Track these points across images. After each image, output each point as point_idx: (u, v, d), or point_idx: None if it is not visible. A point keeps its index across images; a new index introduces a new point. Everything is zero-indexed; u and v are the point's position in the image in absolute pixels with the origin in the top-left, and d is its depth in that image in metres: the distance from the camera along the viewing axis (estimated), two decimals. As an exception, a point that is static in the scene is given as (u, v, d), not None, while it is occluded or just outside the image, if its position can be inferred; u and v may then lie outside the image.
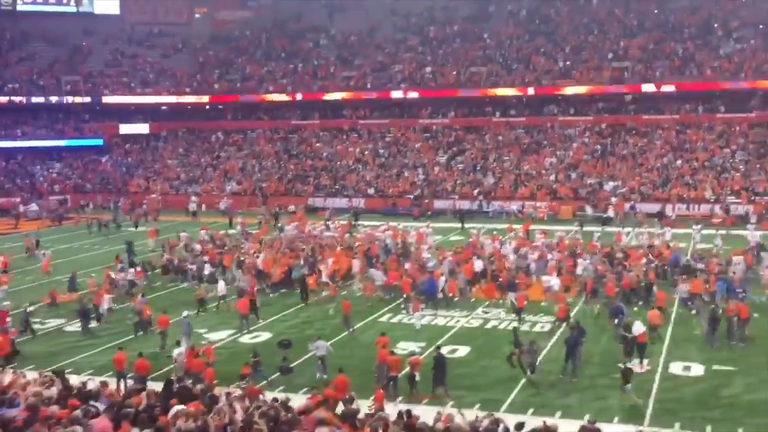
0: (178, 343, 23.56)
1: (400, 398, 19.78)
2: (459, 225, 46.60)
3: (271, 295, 31.45)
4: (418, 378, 20.11)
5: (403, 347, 23.80)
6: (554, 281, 29.56)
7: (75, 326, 27.68)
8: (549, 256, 32.81)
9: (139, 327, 26.54)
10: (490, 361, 22.77)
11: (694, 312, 26.49)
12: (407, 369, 20.52)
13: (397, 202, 54.59)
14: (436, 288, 29.20)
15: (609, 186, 52.18)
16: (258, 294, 29.51)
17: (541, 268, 31.61)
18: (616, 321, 24.63)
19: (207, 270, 33.36)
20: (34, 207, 58.10)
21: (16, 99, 68.68)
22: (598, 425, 15.34)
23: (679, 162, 54.13)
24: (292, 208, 52.03)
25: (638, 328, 22.52)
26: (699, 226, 39.46)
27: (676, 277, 29.92)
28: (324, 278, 32.04)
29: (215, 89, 72.88)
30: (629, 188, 51.44)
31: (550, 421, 15.42)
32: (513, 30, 71.78)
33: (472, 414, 16.01)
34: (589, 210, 49.19)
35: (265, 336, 26.05)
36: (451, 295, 29.70)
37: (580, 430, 15.10)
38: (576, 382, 20.73)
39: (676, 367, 22.00)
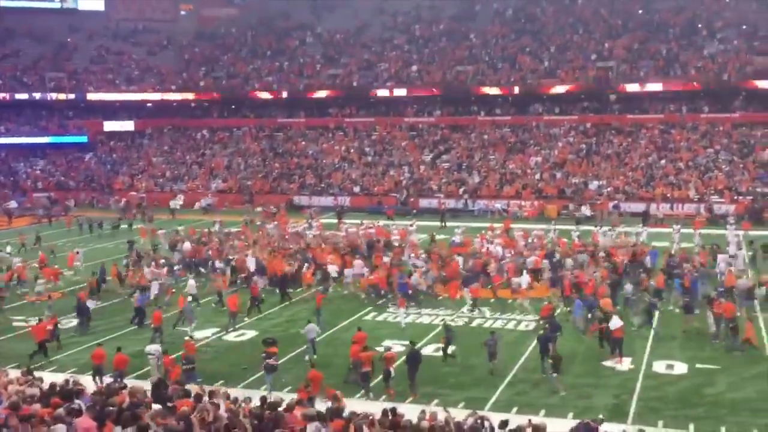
0: (156, 340, 23.63)
1: (383, 397, 19.79)
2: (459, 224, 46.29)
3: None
4: (393, 374, 20.33)
5: (388, 345, 23.77)
6: (523, 279, 29.89)
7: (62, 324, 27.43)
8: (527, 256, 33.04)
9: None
10: (474, 360, 22.79)
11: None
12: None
13: (383, 201, 54.59)
14: (406, 287, 29.55)
15: (594, 185, 52.40)
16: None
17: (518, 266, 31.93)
18: (590, 315, 25.23)
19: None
20: (13, 204, 57.76)
21: (0, 96, 68.13)
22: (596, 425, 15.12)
23: (663, 161, 54.41)
24: (273, 209, 51.80)
25: (615, 323, 22.85)
26: (678, 226, 39.60)
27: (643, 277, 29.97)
28: (334, 273, 31.95)
29: (201, 87, 72.62)
30: (614, 187, 51.67)
31: (536, 419, 15.50)
32: (499, 29, 71.94)
33: (456, 413, 16.01)
34: (572, 208, 49.37)
35: (251, 334, 26.00)
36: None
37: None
38: (556, 378, 20.61)
39: (659, 366, 22.11)
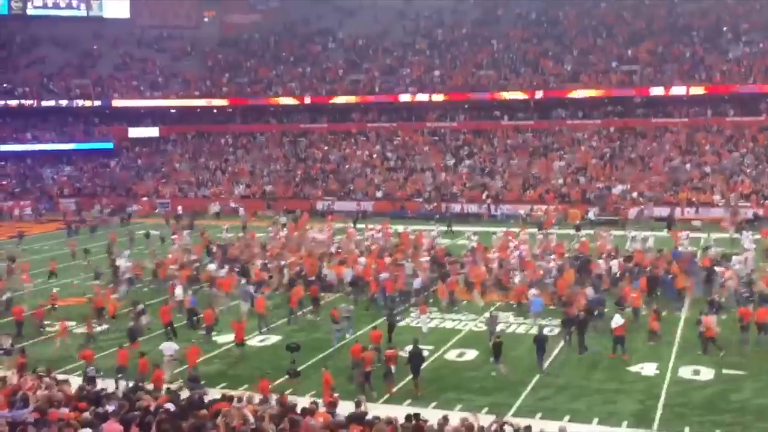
0: (169, 338, 23.78)
1: (407, 401, 19.79)
2: (467, 229, 46.16)
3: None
4: (393, 371, 20.69)
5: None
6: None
7: (82, 328, 27.66)
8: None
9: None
10: (496, 365, 22.73)
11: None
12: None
13: (405, 206, 54.62)
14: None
15: (617, 189, 52.09)
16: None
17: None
18: (596, 313, 25.66)
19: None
20: (28, 211, 58.35)
21: (26, 103, 68.99)
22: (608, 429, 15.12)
23: (688, 166, 53.99)
24: (298, 212, 52.07)
25: (616, 320, 23.40)
26: (686, 233, 39.27)
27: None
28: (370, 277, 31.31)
29: (224, 92, 73.06)
30: (638, 192, 51.32)
31: (562, 425, 15.47)
32: (521, 33, 71.78)
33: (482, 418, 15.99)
34: (593, 213, 49.12)
35: (274, 339, 26.08)
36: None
37: None
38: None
39: (685, 371, 21.93)
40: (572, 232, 42.67)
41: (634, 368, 22.24)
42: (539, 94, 62.87)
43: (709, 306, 25.57)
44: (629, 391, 20.61)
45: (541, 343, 22.33)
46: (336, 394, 17.88)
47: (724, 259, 32.18)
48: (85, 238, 47.35)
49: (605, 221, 46.99)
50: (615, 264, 31.60)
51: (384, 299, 29.65)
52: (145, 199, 60.72)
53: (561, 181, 54.79)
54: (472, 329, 26.51)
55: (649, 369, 22.14)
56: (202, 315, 27.15)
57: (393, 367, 20.76)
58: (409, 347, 21.74)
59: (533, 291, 28.16)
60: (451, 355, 23.75)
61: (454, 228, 46.24)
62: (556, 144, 60.68)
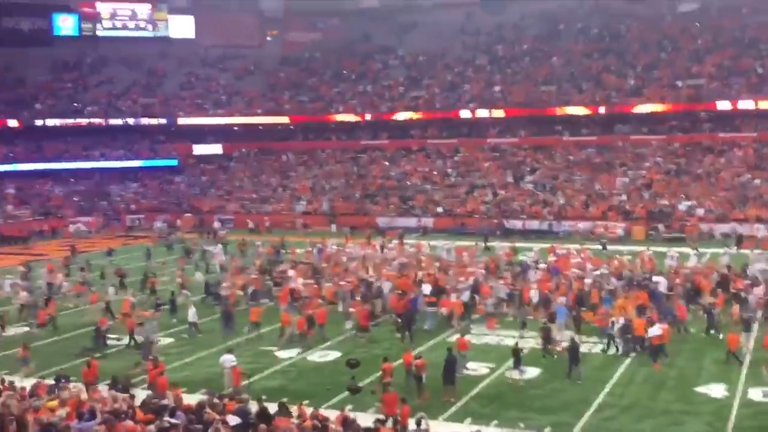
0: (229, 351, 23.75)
1: (468, 419, 19.60)
2: (529, 244, 45.48)
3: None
4: (424, 379, 20.98)
5: (473, 367, 23.67)
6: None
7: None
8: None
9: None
10: (560, 383, 22.40)
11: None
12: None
13: (466, 222, 54.39)
14: (416, 306, 29.25)
15: (683, 206, 51.00)
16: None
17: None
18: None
19: None
20: (81, 227, 59.53)
21: (95, 121, 70.93)
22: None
23: (757, 181, 52.60)
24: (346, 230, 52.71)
25: (654, 330, 23.53)
26: (726, 249, 38.03)
27: None
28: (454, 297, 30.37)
29: (286, 110, 73.95)
30: (704, 208, 50.18)
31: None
32: (583, 48, 71.12)
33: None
34: (659, 230, 48.24)
35: (334, 355, 26.13)
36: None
37: None
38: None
39: (755, 393, 21.23)
40: (636, 248, 41.79)
41: (701, 389, 21.64)
42: (602, 109, 62.11)
43: None
44: (697, 413, 20.03)
45: (574, 352, 22.55)
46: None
47: None
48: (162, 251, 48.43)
49: (670, 238, 46.13)
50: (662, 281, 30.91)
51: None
52: (188, 215, 61.64)
53: (624, 197, 53.91)
54: (534, 347, 26.14)
55: (717, 390, 21.50)
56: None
57: (424, 376, 20.98)
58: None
59: (560, 299, 27.97)
60: (514, 373, 23.46)
61: (518, 244, 45.74)
62: (619, 160, 59.77)
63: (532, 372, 23.47)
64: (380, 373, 21.25)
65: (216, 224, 58.14)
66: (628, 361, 24.09)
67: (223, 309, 29.87)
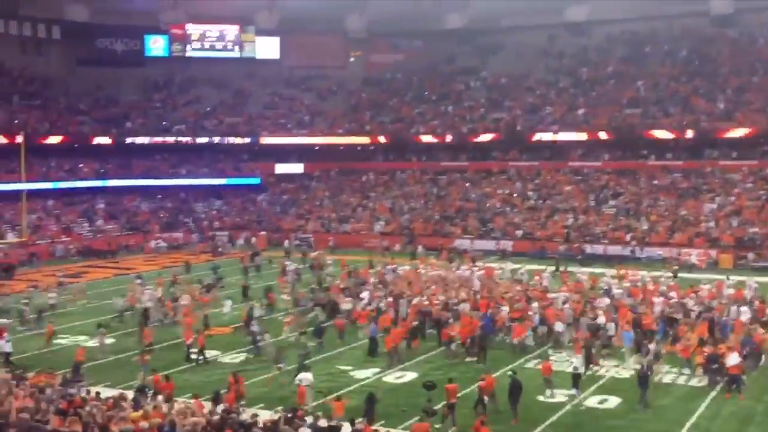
0: (304, 369, 23.78)
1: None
2: (604, 270, 44.50)
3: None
4: (486, 401, 21.19)
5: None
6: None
7: (228, 358, 28.61)
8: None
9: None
10: (642, 414, 21.76)
11: None
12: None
13: (546, 246, 53.64)
14: (491, 326, 29.75)
15: (775, 234, 49.23)
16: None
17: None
18: None
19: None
20: (162, 243, 60.68)
21: (183, 140, 72.87)
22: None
23: None
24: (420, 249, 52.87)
25: (733, 359, 23.44)
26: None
27: None
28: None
29: (367, 130, 74.53)
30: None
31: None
32: (670, 70, 69.55)
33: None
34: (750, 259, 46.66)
35: (411, 376, 26.00)
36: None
37: None
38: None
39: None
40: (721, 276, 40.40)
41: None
42: (689, 133, 60.57)
43: None
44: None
45: (644, 379, 22.43)
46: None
47: None
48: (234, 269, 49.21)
49: (760, 267, 44.60)
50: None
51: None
52: (263, 233, 62.43)
53: (712, 224, 52.30)
54: (614, 376, 25.51)
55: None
56: None
57: (486, 398, 21.11)
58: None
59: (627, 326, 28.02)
60: (592, 402, 22.92)
61: (596, 269, 44.85)
62: (707, 185, 58.09)
63: (612, 401, 22.91)
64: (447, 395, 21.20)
65: (286, 243, 58.11)
66: (713, 393, 23.26)
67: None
